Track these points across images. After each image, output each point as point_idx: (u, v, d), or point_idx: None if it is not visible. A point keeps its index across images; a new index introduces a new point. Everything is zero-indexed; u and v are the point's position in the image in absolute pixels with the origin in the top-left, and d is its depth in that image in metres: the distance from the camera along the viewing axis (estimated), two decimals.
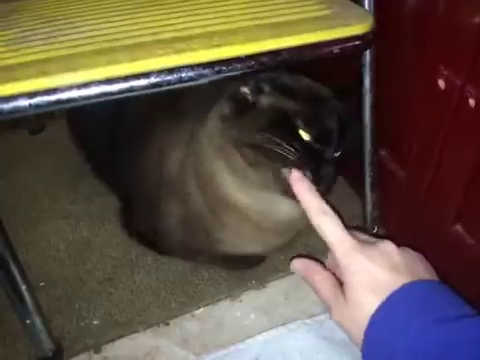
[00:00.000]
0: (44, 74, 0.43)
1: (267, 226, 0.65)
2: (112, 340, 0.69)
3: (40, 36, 0.49)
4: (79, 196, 0.91)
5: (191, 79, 0.47)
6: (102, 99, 0.45)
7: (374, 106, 0.67)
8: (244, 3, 0.56)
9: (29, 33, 0.50)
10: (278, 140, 0.54)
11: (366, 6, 0.60)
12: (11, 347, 0.68)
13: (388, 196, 0.76)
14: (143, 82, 0.45)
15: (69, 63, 0.44)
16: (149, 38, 0.48)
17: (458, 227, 0.66)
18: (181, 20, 0.51)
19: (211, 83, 0.48)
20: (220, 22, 0.51)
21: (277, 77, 0.57)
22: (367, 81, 0.65)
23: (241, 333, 0.69)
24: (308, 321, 0.70)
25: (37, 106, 0.43)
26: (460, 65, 0.58)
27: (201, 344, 0.68)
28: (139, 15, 0.53)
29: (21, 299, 0.57)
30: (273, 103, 0.56)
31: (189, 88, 0.48)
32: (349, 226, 0.50)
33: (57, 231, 0.85)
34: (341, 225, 0.48)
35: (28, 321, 0.59)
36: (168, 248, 0.77)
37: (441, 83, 0.61)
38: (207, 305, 0.73)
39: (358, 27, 0.53)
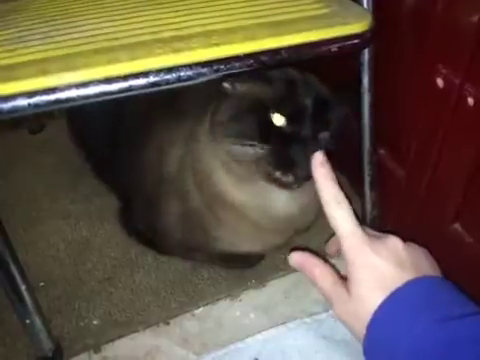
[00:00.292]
0: (43, 73, 0.43)
1: (264, 223, 0.65)
2: (112, 340, 0.69)
3: (39, 36, 0.49)
4: (79, 196, 0.91)
5: (190, 78, 0.47)
6: (101, 98, 0.45)
7: (373, 105, 0.67)
8: (243, 2, 0.56)
9: (27, 33, 0.50)
10: (243, 130, 0.54)
11: (365, 5, 0.60)
12: (11, 347, 0.68)
13: (387, 195, 0.76)
14: (142, 81, 0.45)
15: (68, 62, 0.44)
16: (148, 37, 0.48)
17: (457, 226, 0.66)
18: (180, 19, 0.51)
19: (210, 82, 0.48)
20: (219, 21, 0.51)
21: None
22: (366, 80, 0.65)
23: (241, 332, 0.69)
24: (307, 320, 0.70)
25: (36, 105, 0.43)
26: (459, 64, 0.58)
27: (201, 343, 0.68)
28: (138, 14, 0.53)
29: (21, 299, 0.57)
30: (245, 90, 0.56)
31: (188, 87, 0.48)
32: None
33: (57, 231, 0.85)
34: (354, 217, 0.49)
35: (28, 321, 0.59)
36: (167, 246, 0.77)
37: (440, 82, 0.61)
38: (207, 304, 0.73)
39: (357, 26, 0.53)
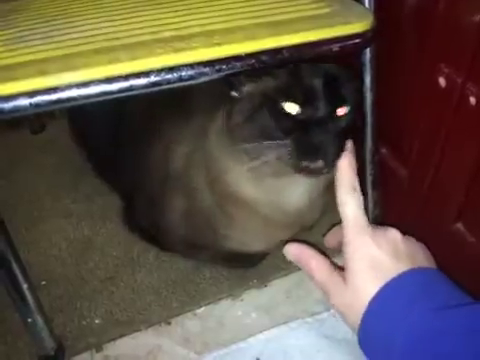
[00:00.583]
0: (44, 73, 0.43)
1: (275, 218, 0.64)
2: (113, 339, 0.69)
3: (40, 35, 0.49)
4: (80, 195, 0.91)
5: (191, 78, 0.47)
6: (102, 98, 0.44)
7: (375, 104, 0.67)
8: (244, 1, 0.55)
9: (28, 32, 0.50)
10: (261, 130, 0.53)
11: (366, 4, 0.60)
12: (13, 346, 0.68)
13: (389, 194, 0.76)
14: (143, 81, 0.45)
15: (69, 62, 0.44)
16: (149, 37, 0.48)
17: (459, 225, 0.65)
18: (180, 19, 0.51)
19: (212, 82, 0.48)
20: (220, 21, 0.51)
21: None
22: (367, 79, 0.65)
23: (242, 332, 0.69)
24: (309, 320, 0.70)
25: (37, 105, 0.43)
26: (461, 63, 0.58)
27: (202, 343, 0.68)
28: (139, 14, 0.53)
29: (23, 298, 0.57)
30: (251, 90, 0.56)
31: (192, 86, 0.47)
32: None
33: (58, 230, 0.85)
34: (362, 207, 0.50)
35: (30, 320, 0.59)
36: (170, 243, 0.77)
37: (442, 81, 0.60)
38: (208, 304, 0.73)
39: (358, 25, 0.52)
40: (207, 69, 0.47)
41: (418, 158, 0.70)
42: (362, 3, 0.59)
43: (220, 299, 0.74)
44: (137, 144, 0.77)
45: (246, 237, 0.69)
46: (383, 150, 0.77)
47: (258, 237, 0.69)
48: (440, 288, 0.45)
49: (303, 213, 0.65)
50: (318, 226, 0.72)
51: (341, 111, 0.55)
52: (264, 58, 0.48)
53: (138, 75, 0.45)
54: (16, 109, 0.42)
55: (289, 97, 0.53)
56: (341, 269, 0.51)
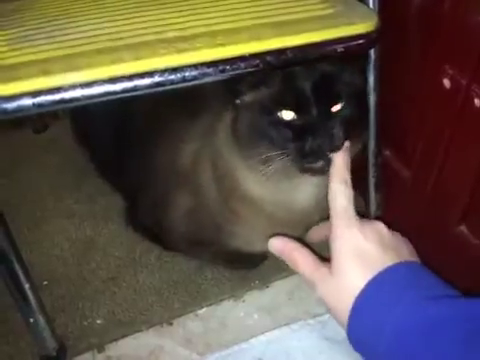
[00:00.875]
0: (47, 73, 0.43)
1: (281, 217, 0.65)
2: (115, 339, 0.69)
3: (43, 35, 0.49)
4: (83, 195, 0.91)
5: (195, 78, 0.46)
6: (105, 98, 0.44)
7: (378, 105, 0.67)
8: (248, 2, 0.55)
9: (32, 32, 0.50)
10: (263, 138, 0.55)
11: (370, 5, 0.60)
12: (14, 346, 0.68)
13: (392, 196, 0.76)
14: (146, 81, 0.45)
15: (72, 62, 0.44)
16: (152, 37, 0.48)
17: (463, 228, 0.65)
18: (185, 19, 0.51)
19: (215, 83, 0.48)
20: (224, 21, 0.51)
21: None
22: (371, 80, 0.65)
23: (244, 333, 0.69)
24: (311, 321, 0.70)
25: (40, 105, 0.43)
26: (465, 64, 0.57)
27: (204, 344, 0.68)
28: (142, 14, 0.53)
29: (24, 298, 0.57)
30: (251, 99, 0.57)
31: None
32: None
33: (61, 230, 0.85)
34: (352, 201, 0.52)
35: (31, 320, 0.59)
36: (173, 242, 0.77)
37: (446, 82, 0.60)
38: (210, 305, 0.73)
39: (362, 26, 0.52)
40: (210, 70, 0.47)
41: (422, 160, 0.69)
42: (366, 4, 0.59)
43: (222, 300, 0.74)
44: (143, 144, 0.77)
45: (251, 235, 0.69)
46: (386, 152, 0.77)
47: (263, 235, 0.69)
48: (427, 280, 0.46)
49: (309, 213, 0.65)
50: None
51: (336, 108, 0.55)
52: (268, 59, 0.48)
53: (142, 75, 0.45)
54: (19, 109, 0.42)
55: (283, 105, 0.54)
56: (327, 261, 0.52)
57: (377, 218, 0.76)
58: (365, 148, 0.70)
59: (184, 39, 0.47)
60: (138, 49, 0.46)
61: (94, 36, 0.48)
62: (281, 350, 0.66)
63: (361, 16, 0.54)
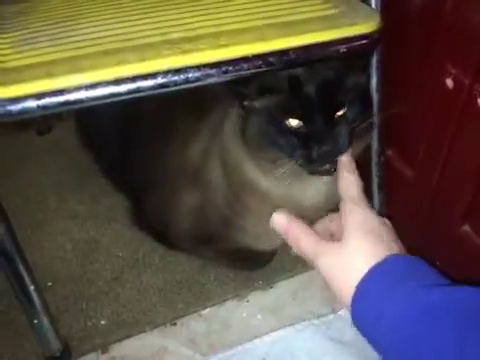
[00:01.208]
0: (52, 75, 0.43)
1: (291, 209, 0.65)
2: (119, 340, 0.69)
3: (47, 37, 0.49)
4: (86, 196, 0.92)
5: (198, 79, 0.47)
6: (109, 100, 0.45)
7: (381, 105, 0.67)
8: (251, 3, 0.55)
9: (36, 34, 0.50)
10: (272, 145, 0.56)
11: (373, 5, 0.60)
12: (19, 347, 0.68)
13: (395, 196, 0.75)
14: (150, 83, 0.45)
15: (76, 64, 0.44)
16: (156, 38, 0.48)
17: (466, 227, 0.65)
18: (188, 20, 0.51)
19: (219, 84, 0.48)
20: (227, 22, 0.51)
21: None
22: (374, 80, 0.65)
23: (248, 333, 0.69)
24: (315, 322, 0.70)
25: (45, 107, 0.43)
26: (468, 64, 0.57)
27: (208, 344, 0.68)
28: (146, 15, 0.53)
29: (29, 299, 0.58)
30: (260, 106, 0.57)
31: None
32: None
33: (64, 231, 0.86)
34: (362, 189, 0.53)
35: (36, 321, 0.60)
36: (178, 240, 0.77)
37: (449, 82, 0.60)
38: (214, 305, 0.73)
39: (365, 26, 0.52)
40: (213, 71, 0.47)
41: (424, 159, 0.69)
42: (368, 4, 0.59)
43: (226, 300, 0.74)
44: (151, 143, 0.77)
45: (259, 229, 0.69)
46: (389, 151, 0.77)
47: (271, 230, 0.70)
48: (424, 270, 0.46)
49: (318, 209, 0.65)
50: None
51: (340, 112, 0.56)
52: (271, 59, 0.48)
53: (145, 77, 0.45)
54: (24, 111, 0.43)
55: (290, 114, 0.55)
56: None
57: None
58: (368, 147, 0.70)
59: (188, 40, 0.47)
60: (142, 50, 0.46)
61: (98, 38, 0.48)
62: (285, 350, 0.66)
63: (363, 16, 0.54)
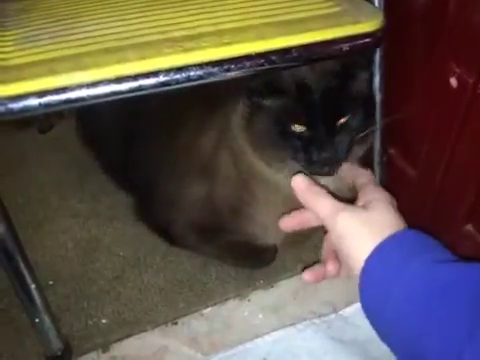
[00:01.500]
0: (53, 73, 0.43)
1: (297, 201, 0.65)
2: (120, 339, 0.69)
3: (49, 35, 0.49)
4: (87, 195, 0.91)
5: (200, 78, 0.46)
6: (111, 98, 0.44)
7: (384, 104, 0.66)
8: (254, 1, 0.55)
9: (38, 32, 0.50)
10: (276, 146, 0.58)
11: (376, 3, 0.60)
12: (20, 345, 0.68)
13: (397, 195, 0.75)
14: (152, 81, 0.45)
15: (78, 62, 0.44)
16: (158, 37, 0.48)
17: (469, 226, 0.65)
18: (190, 18, 0.51)
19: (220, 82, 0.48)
20: (230, 20, 0.51)
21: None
22: (377, 79, 0.65)
23: (249, 333, 0.69)
24: (316, 321, 0.69)
25: (47, 105, 0.43)
26: (472, 63, 0.57)
27: (209, 343, 0.68)
28: (148, 13, 0.53)
29: (30, 298, 0.58)
30: (268, 105, 0.58)
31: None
32: None
33: (65, 230, 0.85)
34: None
35: (37, 320, 0.60)
36: (181, 234, 0.77)
37: (453, 81, 0.60)
38: (215, 304, 0.73)
39: (368, 25, 0.52)
40: (216, 69, 0.47)
41: (427, 159, 0.69)
42: (372, 2, 0.59)
43: (227, 299, 0.74)
44: (156, 139, 0.78)
45: (267, 219, 0.69)
46: (391, 151, 0.77)
47: (278, 219, 0.70)
48: (433, 245, 0.47)
49: None
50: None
51: (342, 120, 0.57)
52: (274, 58, 0.48)
53: (147, 75, 0.45)
54: (25, 109, 0.42)
55: (295, 119, 0.56)
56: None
57: None
58: (371, 147, 0.70)
59: (191, 38, 0.47)
60: (144, 48, 0.46)
61: (100, 36, 0.48)
62: (286, 350, 0.66)
63: (366, 15, 0.54)
